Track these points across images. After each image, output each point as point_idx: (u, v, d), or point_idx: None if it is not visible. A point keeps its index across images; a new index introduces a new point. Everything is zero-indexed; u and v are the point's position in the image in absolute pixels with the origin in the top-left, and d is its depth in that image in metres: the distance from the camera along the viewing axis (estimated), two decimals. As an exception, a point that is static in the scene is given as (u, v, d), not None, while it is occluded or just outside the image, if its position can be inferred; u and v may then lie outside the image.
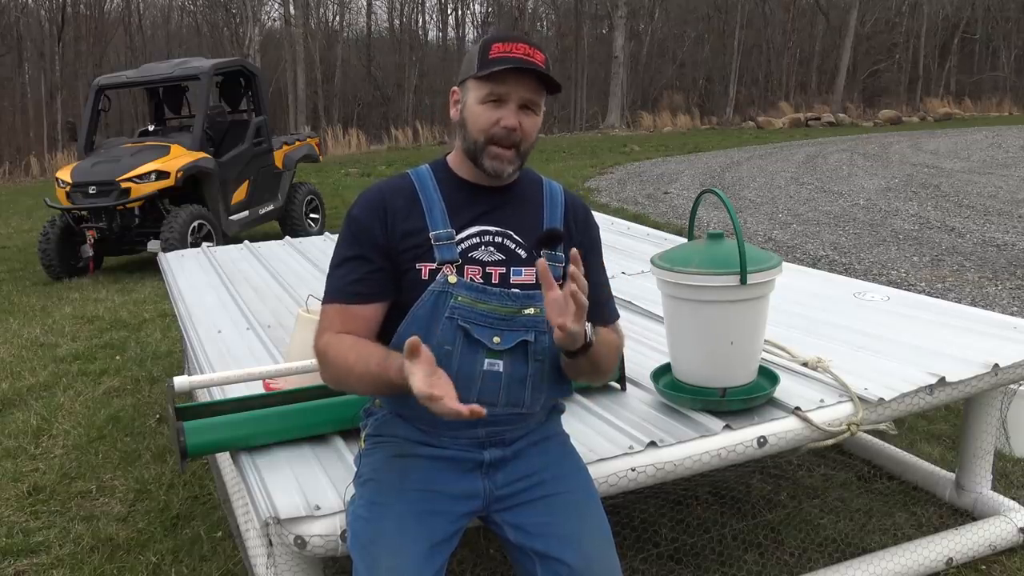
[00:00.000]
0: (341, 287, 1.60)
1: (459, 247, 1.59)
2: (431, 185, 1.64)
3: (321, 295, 1.66)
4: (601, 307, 1.69)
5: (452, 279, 1.57)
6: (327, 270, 1.66)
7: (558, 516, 1.61)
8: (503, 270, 1.60)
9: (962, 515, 2.77)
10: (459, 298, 1.56)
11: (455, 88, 1.63)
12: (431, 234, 1.59)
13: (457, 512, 1.61)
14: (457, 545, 1.61)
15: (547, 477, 1.66)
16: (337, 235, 1.67)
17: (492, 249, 1.61)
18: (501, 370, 1.59)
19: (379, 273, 1.59)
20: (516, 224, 1.64)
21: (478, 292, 1.57)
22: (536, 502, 1.62)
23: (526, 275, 1.61)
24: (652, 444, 1.92)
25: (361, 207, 1.62)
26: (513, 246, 1.62)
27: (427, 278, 1.57)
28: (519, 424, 1.66)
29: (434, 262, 1.57)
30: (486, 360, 1.58)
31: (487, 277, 1.59)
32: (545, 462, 1.68)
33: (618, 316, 1.77)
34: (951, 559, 2.47)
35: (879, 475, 3.09)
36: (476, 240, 1.60)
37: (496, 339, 1.58)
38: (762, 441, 1.98)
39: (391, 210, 1.60)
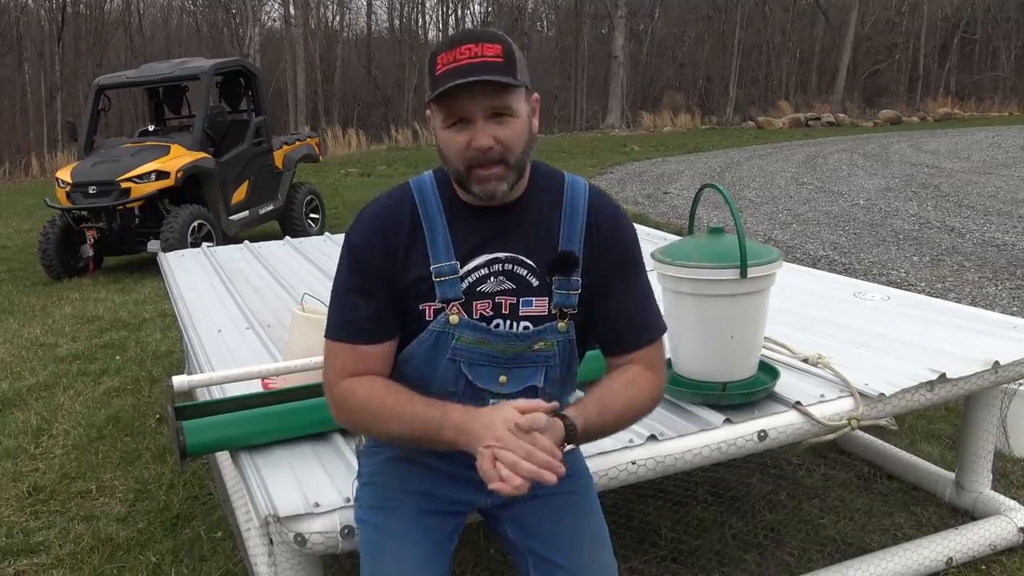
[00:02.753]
0: (347, 323, 1.46)
1: (465, 282, 1.44)
2: (435, 206, 1.46)
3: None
4: (627, 333, 1.52)
5: (454, 319, 1.44)
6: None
7: (554, 515, 1.55)
8: (513, 300, 1.45)
9: (962, 515, 2.77)
10: (461, 338, 1.45)
11: (428, 111, 1.43)
12: (432, 268, 1.43)
13: (458, 510, 1.59)
14: (459, 534, 1.61)
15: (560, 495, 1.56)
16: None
17: (502, 278, 1.45)
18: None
19: (386, 309, 1.46)
20: (527, 247, 1.45)
21: (483, 333, 1.45)
22: (533, 500, 1.52)
23: (537, 306, 1.45)
24: (652, 438, 1.92)
25: (361, 234, 1.46)
26: (524, 272, 1.45)
27: (431, 317, 1.45)
28: None
29: (436, 300, 1.44)
30: (490, 401, 1.46)
31: (497, 308, 1.45)
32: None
33: (655, 336, 1.53)
34: (951, 559, 2.47)
35: (879, 475, 3.09)
36: (484, 271, 1.44)
37: (503, 379, 1.48)
38: (762, 435, 1.98)
39: (392, 240, 1.45)
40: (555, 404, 1.40)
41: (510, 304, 1.45)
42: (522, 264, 1.45)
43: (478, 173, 1.38)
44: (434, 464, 1.55)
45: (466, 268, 1.44)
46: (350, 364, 1.46)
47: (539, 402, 1.36)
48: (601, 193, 1.54)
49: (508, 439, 1.29)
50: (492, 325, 1.45)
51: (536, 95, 1.43)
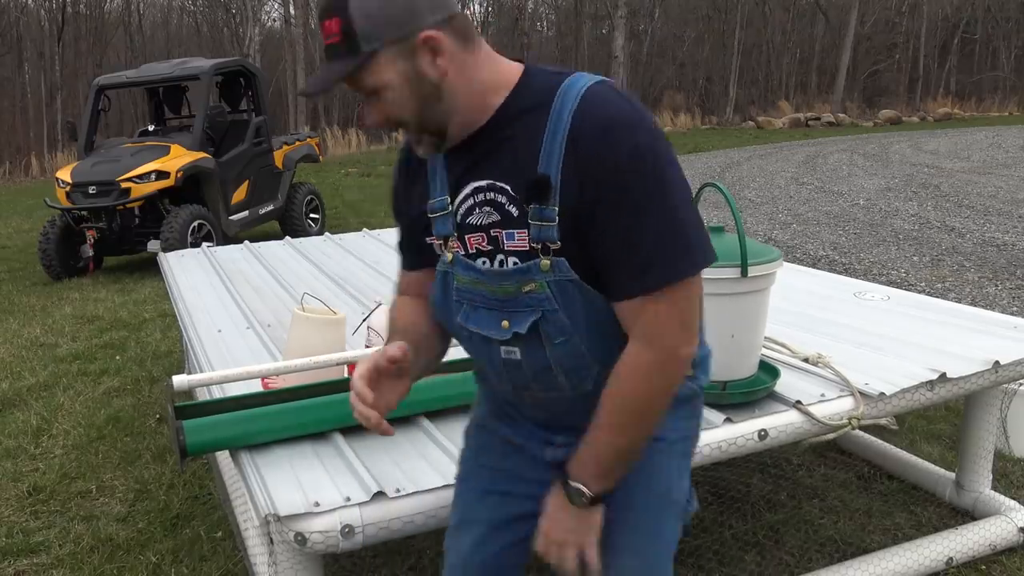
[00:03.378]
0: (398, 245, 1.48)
1: (457, 215, 1.30)
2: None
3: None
4: (613, 278, 1.22)
5: (448, 256, 1.32)
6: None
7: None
8: (499, 232, 1.26)
9: (962, 515, 2.77)
10: (459, 278, 1.32)
11: None
12: (428, 204, 1.33)
13: (524, 491, 1.46)
14: (522, 530, 1.47)
15: None
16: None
17: (488, 208, 1.26)
18: (519, 358, 1.32)
19: (410, 239, 1.42)
20: (504, 170, 1.24)
21: (473, 272, 1.30)
22: None
23: (519, 239, 1.24)
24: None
25: (396, 163, 1.44)
26: (504, 201, 1.25)
27: (439, 253, 1.36)
28: (581, 404, 1.33)
29: (436, 236, 1.35)
30: (501, 348, 1.32)
31: (494, 241, 1.27)
32: None
33: (653, 283, 1.19)
34: (951, 559, 2.47)
35: (879, 475, 3.09)
36: (471, 202, 1.28)
37: (505, 323, 1.30)
38: (763, 434, 1.98)
39: (405, 172, 1.39)
40: (398, 353, 1.26)
41: (497, 237, 1.27)
42: (501, 191, 1.25)
43: (406, 137, 1.29)
44: (509, 435, 1.49)
45: (456, 201, 1.30)
46: (401, 285, 1.50)
47: (396, 353, 1.27)
48: (600, 95, 1.20)
49: (355, 381, 1.26)
50: (479, 262, 1.29)
51: (424, 34, 1.16)
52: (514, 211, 1.24)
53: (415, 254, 1.43)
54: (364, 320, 2.38)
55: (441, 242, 1.34)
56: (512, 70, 1.27)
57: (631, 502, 1.39)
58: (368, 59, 1.17)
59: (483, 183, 1.26)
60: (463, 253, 1.31)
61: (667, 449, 1.41)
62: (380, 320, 2.28)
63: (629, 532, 1.41)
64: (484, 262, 1.29)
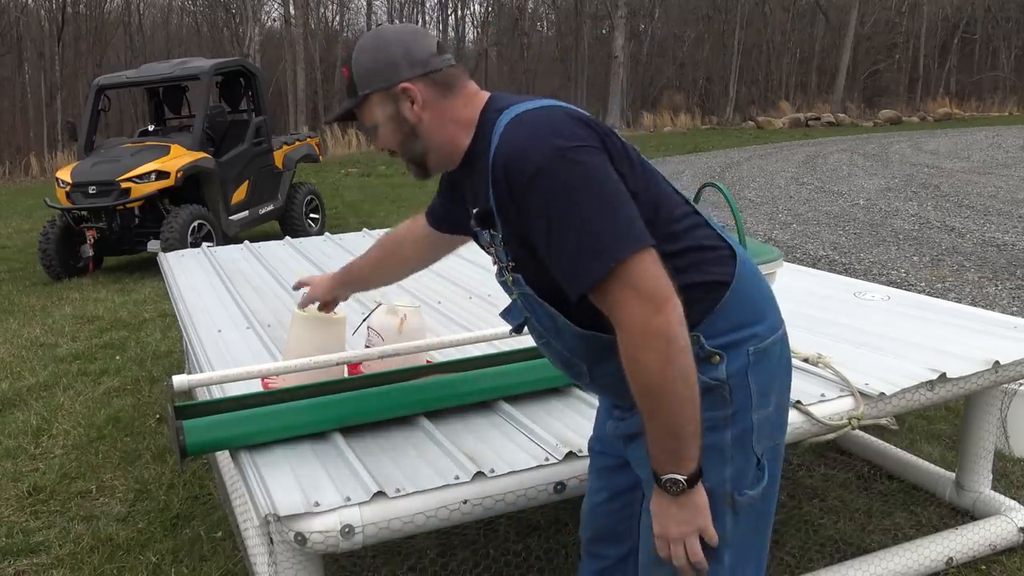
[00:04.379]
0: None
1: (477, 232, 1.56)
2: None
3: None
4: (565, 282, 1.34)
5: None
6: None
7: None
8: (492, 249, 1.54)
9: (962, 515, 2.77)
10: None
11: None
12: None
13: (612, 452, 1.65)
14: (634, 488, 1.61)
15: (640, 472, 1.55)
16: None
17: (482, 232, 1.52)
18: (541, 348, 1.60)
19: (450, 210, 1.74)
20: (473, 198, 1.49)
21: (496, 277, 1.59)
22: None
23: (496, 258, 1.53)
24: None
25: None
26: (476, 225, 1.51)
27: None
28: (613, 396, 1.57)
29: None
30: (539, 342, 1.60)
31: (492, 254, 1.55)
32: (640, 457, 1.49)
33: (584, 283, 1.30)
34: (951, 559, 2.47)
35: (879, 475, 3.09)
36: (474, 222, 1.55)
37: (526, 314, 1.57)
38: (762, 439, 1.98)
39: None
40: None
41: (492, 254, 1.53)
42: (477, 219, 1.47)
43: None
44: (600, 406, 1.73)
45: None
46: (427, 213, 1.84)
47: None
48: (508, 130, 1.35)
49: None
50: (497, 272, 1.56)
51: (401, 85, 1.43)
52: (488, 235, 1.47)
53: (441, 216, 1.78)
54: (364, 320, 2.38)
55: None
56: (478, 107, 1.46)
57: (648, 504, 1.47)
58: (362, 101, 1.47)
59: (473, 209, 1.49)
60: (495, 265, 1.55)
61: None
62: (380, 320, 2.28)
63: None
64: (502, 275, 1.54)
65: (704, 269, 1.41)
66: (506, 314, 1.64)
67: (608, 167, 1.32)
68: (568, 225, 1.29)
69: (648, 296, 1.27)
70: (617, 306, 1.29)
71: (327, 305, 2.11)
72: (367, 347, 2.29)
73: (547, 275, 1.37)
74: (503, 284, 1.54)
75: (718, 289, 1.41)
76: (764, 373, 1.46)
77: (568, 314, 1.42)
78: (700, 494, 1.36)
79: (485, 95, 1.48)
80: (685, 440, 1.32)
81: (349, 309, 3.07)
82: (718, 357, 1.41)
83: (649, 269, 1.28)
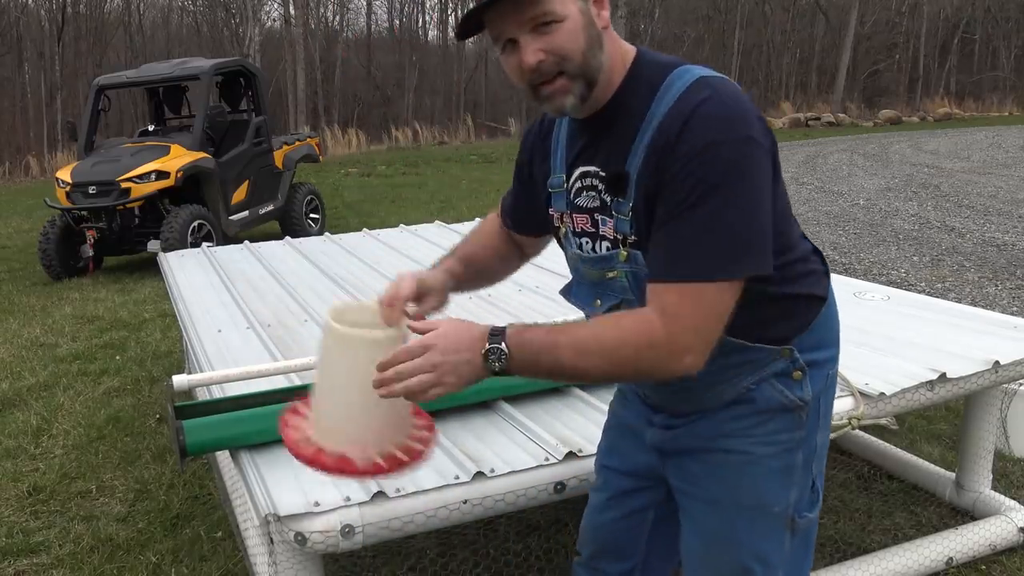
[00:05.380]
0: (503, 199, 1.46)
1: (570, 193, 1.39)
2: (562, 120, 1.43)
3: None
4: (652, 263, 1.26)
5: (562, 230, 1.43)
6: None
7: (698, 479, 1.46)
8: (597, 217, 1.36)
9: (962, 515, 2.77)
10: (568, 251, 1.44)
11: None
12: (549, 180, 1.43)
13: (631, 471, 1.59)
14: (649, 507, 1.58)
15: (692, 491, 1.47)
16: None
17: (592, 193, 1.35)
18: None
19: (527, 205, 1.55)
20: (604, 159, 1.32)
21: (575, 249, 1.41)
22: (690, 454, 1.46)
23: (608, 227, 1.33)
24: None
25: (527, 138, 1.52)
26: (601, 189, 1.33)
27: (557, 224, 1.46)
28: (679, 397, 1.44)
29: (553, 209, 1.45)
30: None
31: (595, 224, 1.36)
32: (695, 474, 1.45)
33: (680, 275, 1.20)
34: (951, 559, 2.47)
35: (879, 475, 3.09)
36: (579, 184, 1.37)
37: (598, 302, 1.40)
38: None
39: (529, 145, 1.50)
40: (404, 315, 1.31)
41: (594, 221, 1.36)
42: (600, 179, 1.33)
43: (542, 92, 1.27)
44: (624, 417, 1.63)
45: (570, 181, 1.39)
46: (501, 213, 1.64)
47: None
48: (696, 90, 1.22)
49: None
50: (583, 241, 1.39)
51: None
52: (607, 199, 1.32)
53: (521, 215, 1.57)
54: None
55: (557, 215, 1.44)
56: (628, 53, 1.31)
57: (719, 515, 1.43)
58: None
59: (589, 168, 1.35)
60: (572, 230, 1.41)
61: (757, 462, 1.39)
62: None
63: (711, 545, 1.46)
64: (586, 242, 1.39)
65: (811, 282, 1.39)
66: (570, 293, 1.47)
67: (768, 172, 1.24)
68: (714, 209, 1.18)
69: (703, 331, 1.21)
70: (679, 308, 1.19)
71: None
72: None
73: None
74: (596, 261, 1.37)
75: (817, 305, 1.40)
76: (831, 397, 1.47)
77: None
78: (476, 376, 1.20)
79: (631, 48, 1.33)
80: (545, 369, 1.22)
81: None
82: (800, 373, 1.38)
83: (731, 301, 1.22)
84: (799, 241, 1.39)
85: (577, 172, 1.37)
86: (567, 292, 1.50)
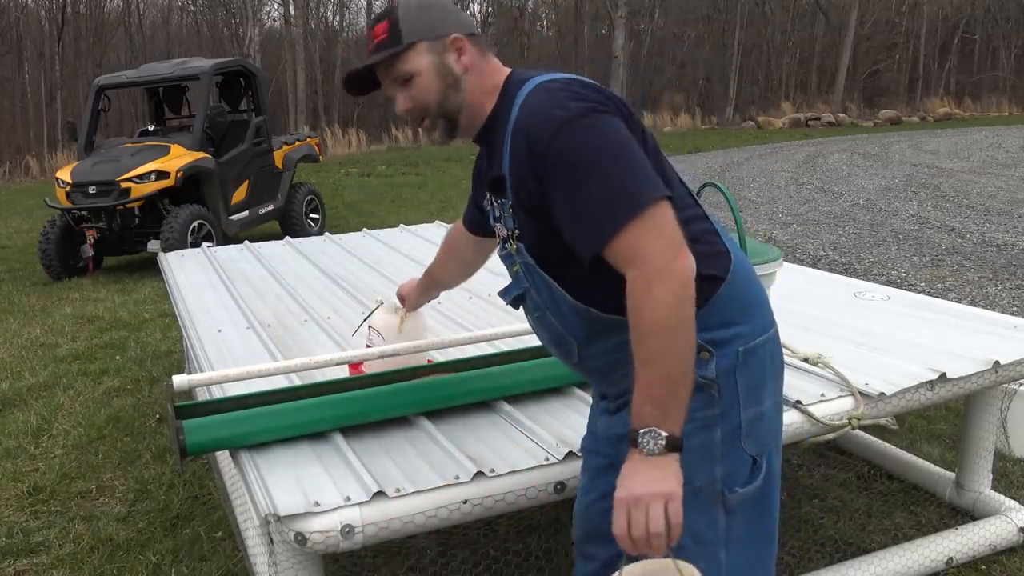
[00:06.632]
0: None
1: (492, 209, 1.59)
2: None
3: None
4: (577, 245, 1.37)
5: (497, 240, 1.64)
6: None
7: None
8: (500, 222, 1.58)
9: (962, 515, 2.77)
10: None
11: None
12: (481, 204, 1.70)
13: (603, 452, 1.62)
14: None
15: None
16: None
17: (494, 204, 1.56)
18: (533, 326, 1.63)
19: (477, 213, 1.82)
20: (491, 170, 1.54)
21: (501, 254, 1.62)
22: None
23: (503, 229, 1.56)
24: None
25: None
26: (493, 196, 1.56)
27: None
28: (599, 379, 1.59)
29: None
30: (526, 316, 1.64)
31: (501, 229, 1.58)
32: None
33: (606, 234, 1.32)
34: (951, 559, 2.47)
35: (879, 475, 3.09)
36: (489, 197, 1.58)
37: (510, 293, 1.63)
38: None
39: (477, 173, 1.73)
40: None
41: (500, 227, 1.57)
42: (490, 187, 1.54)
43: (421, 127, 1.56)
44: (592, 407, 1.73)
45: (488, 198, 1.59)
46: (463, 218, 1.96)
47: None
48: (531, 97, 1.41)
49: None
50: (505, 247, 1.59)
51: (453, 36, 1.48)
52: (497, 204, 1.53)
53: (472, 219, 1.87)
54: (364, 319, 2.38)
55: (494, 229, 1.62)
56: (500, 78, 1.52)
57: None
58: (408, 48, 1.47)
59: (487, 181, 1.54)
60: (499, 239, 1.60)
61: None
62: (380, 319, 2.28)
63: None
64: (502, 247, 1.59)
65: (704, 262, 1.40)
66: (504, 291, 1.65)
67: (624, 128, 1.37)
68: (591, 178, 1.32)
69: (670, 240, 1.30)
70: (638, 246, 1.29)
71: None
72: (368, 346, 2.29)
73: (551, 243, 1.42)
74: (505, 257, 1.59)
75: (711, 283, 1.42)
76: (753, 373, 1.47)
77: (565, 286, 1.47)
78: (676, 463, 1.29)
79: (507, 69, 1.54)
80: (678, 394, 1.29)
81: (349, 309, 3.08)
82: (707, 353, 1.42)
83: (668, 216, 1.32)
84: (689, 221, 1.43)
85: (485, 187, 1.58)
86: (502, 292, 1.67)
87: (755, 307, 1.50)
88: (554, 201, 1.37)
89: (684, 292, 1.28)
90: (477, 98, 1.50)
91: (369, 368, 2.23)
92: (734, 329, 1.45)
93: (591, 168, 1.32)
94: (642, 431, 1.28)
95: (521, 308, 1.64)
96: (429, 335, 2.37)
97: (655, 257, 1.28)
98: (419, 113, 1.51)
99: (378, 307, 2.31)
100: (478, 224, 1.85)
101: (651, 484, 1.26)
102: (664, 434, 1.27)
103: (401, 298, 2.23)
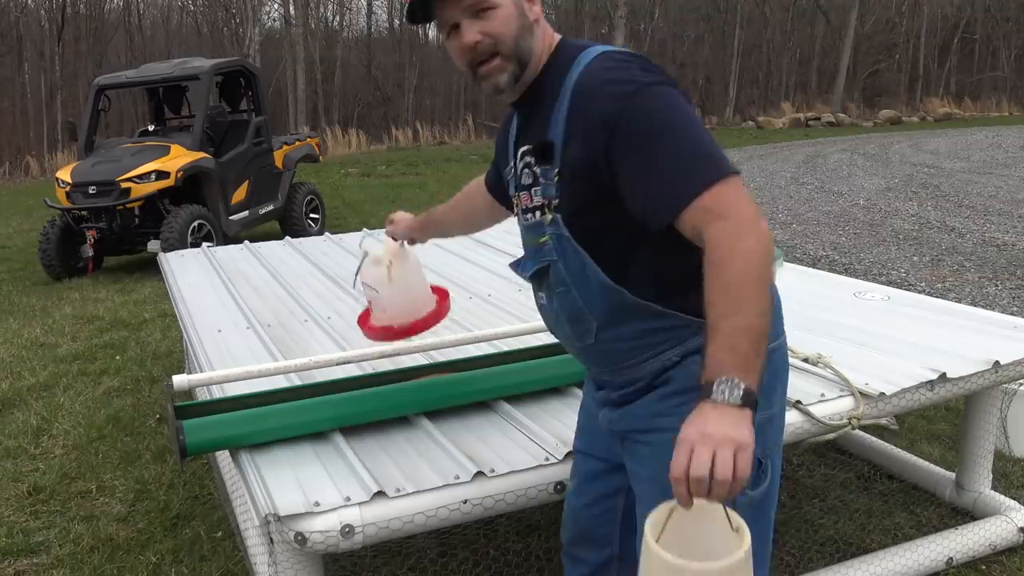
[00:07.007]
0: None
1: (518, 176, 1.53)
2: (510, 112, 1.60)
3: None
4: (658, 200, 1.32)
5: (516, 211, 1.58)
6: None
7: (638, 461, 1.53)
8: (533, 191, 1.51)
9: (962, 515, 2.77)
10: (520, 228, 1.58)
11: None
12: (504, 169, 1.65)
13: (602, 456, 1.63)
14: (617, 493, 1.63)
15: (641, 472, 1.52)
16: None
17: (528, 172, 1.49)
18: (546, 303, 1.55)
19: (499, 180, 1.76)
20: (533, 136, 1.48)
21: (522, 225, 1.56)
22: (644, 436, 1.51)
23: (536, 197, 1.48)
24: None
25: (500, 130, 1.69)
26: (533, 163, 1.48)
27: (515, 207, 1.62)
28: (605, 366, 1.52)
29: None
30: (538, 292, 1.57)
31: (532, 197, 1.51)
32: (644, 456, 1.50)
33: (699, 187, 1.28)
34: (951, 559, 2.47)
35: (879, 475, 3.09)
36: (521, 164, 1.52)
37: (530, 265, 1.56)
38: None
39: (500, 144, 1.69)
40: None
41: (531, 196, 1.50)
42: (532, 154, 1.48)
43: (480, 71, 1.43)
44: (588, 402, 1.69)
45: (517, 165, 1.54)
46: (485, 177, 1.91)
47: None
48: (597, 63, 1.39)
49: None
50: (527, 217, 1.53)
51: None
52: (538, 171, 1.46)
53: (495, 183, 1.82)
54: (356, 274, 2.20)
55: (515, 199, 1.58)
56: (554, 40, 1.49)
57: (661, 493, 1.34)
58: None
59: (525, 147, 1.50)
60: (521, 209, 1.54)
61: (671, 441, 1.37)
62: (369, 275, 2.05)
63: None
64: (529, 217, 1.52)
65: None
66: (520, 264, 1.58)
67: (688, 105, 1.36)
68: (676, 138, 1.30)
69: (755, 205, 1.29)
70: (730, 201, 1.27)
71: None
72: (368, 301, 2.11)
73: (594, 214, 1.39)
74: (532, 227, 1.51)
75: None
76: (768, 377, 1.44)
77: (600, 263, 1.42)
78: (750, 419, 1.18)
79: (557, 36, 1.50)
80: (759, 349, 1.22)
81: (348, 308, 3.08)
82: None
83: (742, 192, 1.30)
84: None
85: (519, 153, 1.52)
86: (515, 265, 1.62)
87: (773, 311, 1.47)
88: (623, 165, 1.33)
89: (769, 252, 1.26)
90: (540, 51, 1.45)
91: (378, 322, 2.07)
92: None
93: (675, 130, 1.30)
94: (718, 380, 1.19)
95: (532, 285, 1.58)
96: (425, 272, 2.15)
97: (747, 211, 1.26)
98: (490, 48, 1.40)
99: (365, 259, 2.09)
100: (498, 188, 1.80)
101: (724, 427, 1.16)
102: (742, 385, 1.18)
103: (391, 231, 2.03)
